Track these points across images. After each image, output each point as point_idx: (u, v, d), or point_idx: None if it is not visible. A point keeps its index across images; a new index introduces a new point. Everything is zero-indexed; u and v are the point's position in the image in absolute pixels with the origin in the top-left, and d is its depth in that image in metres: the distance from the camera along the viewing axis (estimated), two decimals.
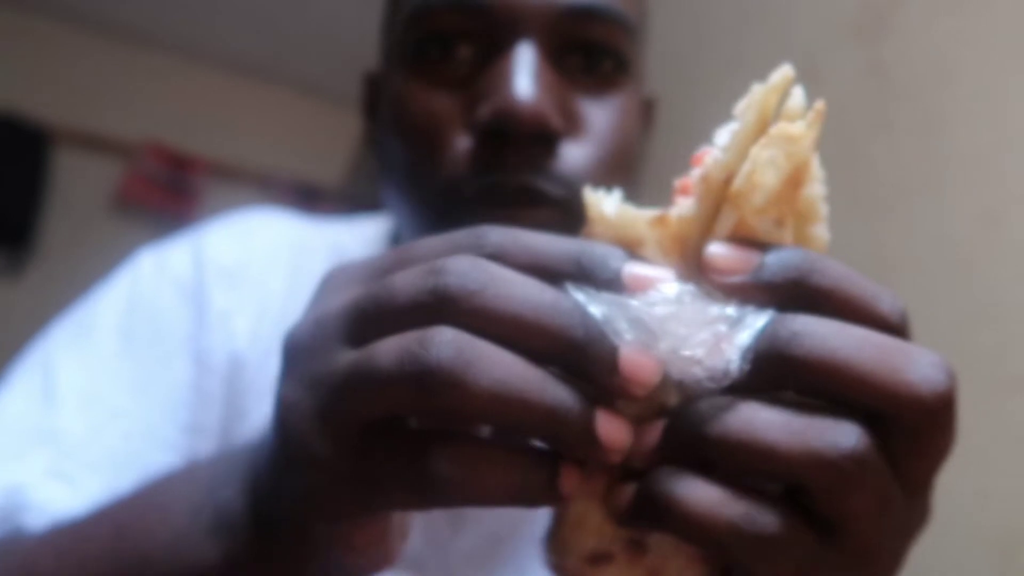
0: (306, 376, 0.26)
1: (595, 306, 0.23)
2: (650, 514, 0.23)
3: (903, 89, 1.18)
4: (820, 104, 0.25)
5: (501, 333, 0.23)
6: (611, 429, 0.23)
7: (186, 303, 0.53)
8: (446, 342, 0.22)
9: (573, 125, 0.43)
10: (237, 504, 0.30)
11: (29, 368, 0.51)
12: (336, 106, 2.73)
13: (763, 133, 0.24)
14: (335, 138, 2.84)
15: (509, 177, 0.41)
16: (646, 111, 0.55)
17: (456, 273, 0.23)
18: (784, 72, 0.25)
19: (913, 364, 0.22)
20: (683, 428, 0.23)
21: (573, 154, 0.43)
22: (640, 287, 0.24)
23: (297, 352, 0.27)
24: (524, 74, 0.41)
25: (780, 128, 0.24)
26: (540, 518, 0.27)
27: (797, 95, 0.25)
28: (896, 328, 0.24)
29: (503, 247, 0.25)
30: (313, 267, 0.55)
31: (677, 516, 0.22)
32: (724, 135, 0.26)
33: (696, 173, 0.26)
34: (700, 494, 0.22)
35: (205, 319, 0.52)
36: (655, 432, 0.24)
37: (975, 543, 0.97)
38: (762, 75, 0.27)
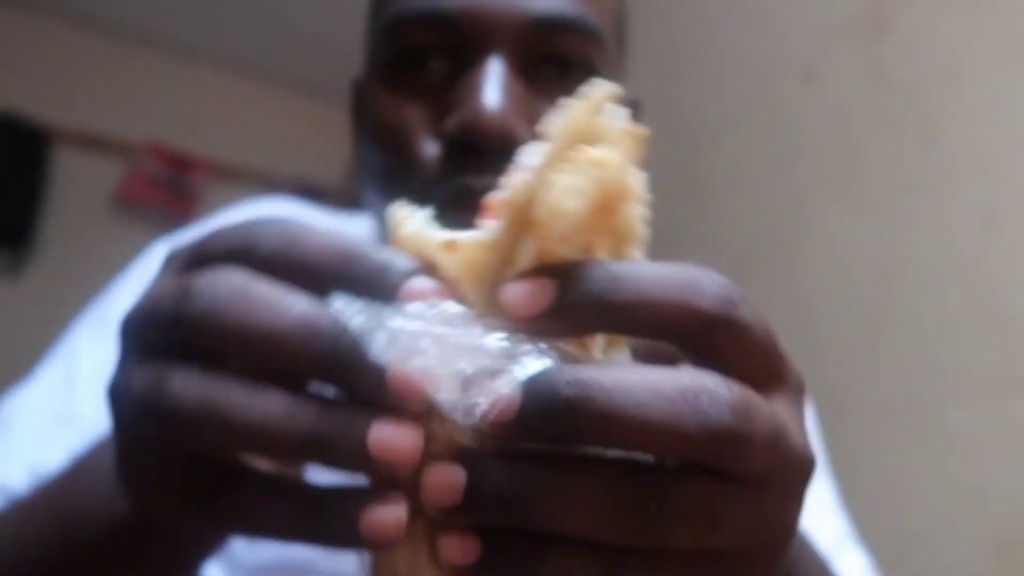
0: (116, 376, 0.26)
1: (357, 318, 0.22)
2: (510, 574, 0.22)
3: (903, 89, 1.18)
4: (639, 129, 0.23)
5: (245, 354, 0.22)
6: (390, 433, 0.21)
7: None
8: (181, 381, 0.22)
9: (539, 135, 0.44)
10: None
11: (56, 357, 0.56)
12: (336, 106, 2.72)
13: (566, 146, 0.23)
14: (335, 138, 2.84)
15: (476, 181, 0.41)
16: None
17: (202, 296, 0.22)
18: (605, 88, 0.23)
19: (695, 410, 0.21)
20: (495, 478, 0.21)
21: None
22: (415, 302, 0.23)
23: (120, 340, 0.27)
24: (491, 86, 0.41)
25: (584, 152, 0.22)
26: None
27: (614, 114, 0.23)
28: (721, 320, 0.22)
29: (275, 253, 0.24)
30: None
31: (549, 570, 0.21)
32: (534, 155, 0.24)
33: (501, 195, 0.24)
34: (576, 569, 0.21)
35: None
36: (453, 471, 0.21)
37: (975, 542, 0.98)
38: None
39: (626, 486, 0.21)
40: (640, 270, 0.22)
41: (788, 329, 0.32)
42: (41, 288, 2.45)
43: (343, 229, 0.61)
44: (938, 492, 1.02)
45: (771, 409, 0.23)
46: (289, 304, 0.22)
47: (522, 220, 0.23)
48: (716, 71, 1.50)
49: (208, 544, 0.32)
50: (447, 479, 0.21)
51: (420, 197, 0.43)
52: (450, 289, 0.23)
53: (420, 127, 0.44)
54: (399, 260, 0.24)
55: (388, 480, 0.22)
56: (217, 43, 2.72)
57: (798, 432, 0.24)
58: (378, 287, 0.23)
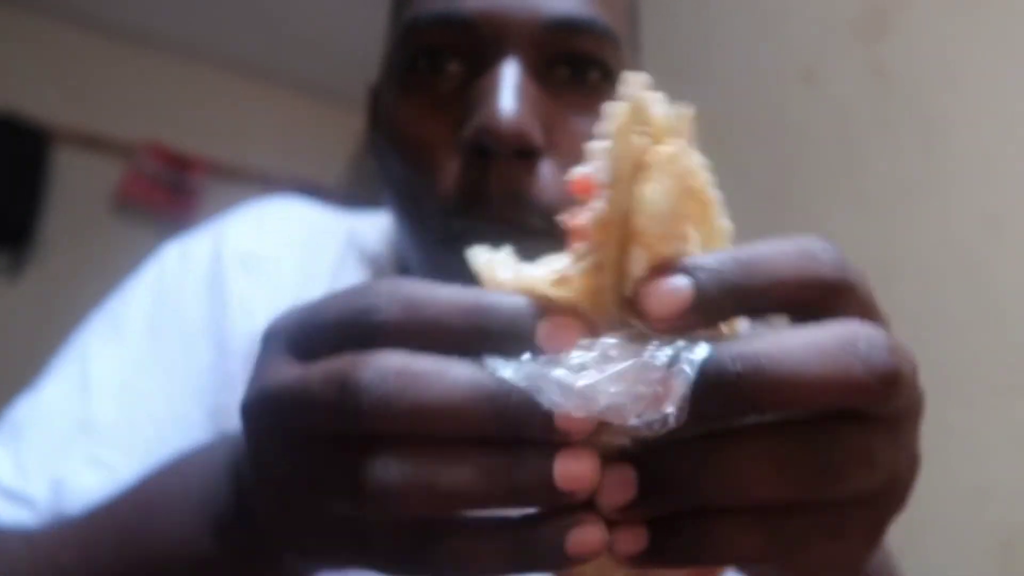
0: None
1: (518, 377, 0.22)
2: (683, 554, 0.23)
3: (903, 89, 1.18)
4: (686, 111, 0.24)
5: (424, 432, 0.23)
6: (573, 466, 0.22)
7: (207, 291, 0.55)
8: (381, 467, 0.23)
9: (559, 141, 0.45)
10: (228, 499, 0.32)
11: (68, 361, 0.54)
12: (336, 106, 2.73)
13: (635, 154, 0.24)
14: (335, 138, 2.84)
15: (491, 214, 0.43)
16: None
17: (370, 387, 0.23)
18: (640, 81, 0.24)
19: (858, 357, 0.22)
20: (665, 468, 0.23)
21: (556, 172, 0.44)
22: (558, 345, 0.23)
23: (248, 426, 0.28)
24: (506, 91, 0.42)
25: (655, 153, 0.23)
26: None
27: (658, 105, 0.24)
28: (840, 283, 0.24)
29: (403, 323, 0.24)
30: (326, 253, 0.58)
31: (715, 554, 0.23)
32: (600, 168, 0.25)
33: (586, 217, 0.25)
34: (742, 536, 0.23)
35: (225, 305, 0.54)
36: (626, 472, 0.23)
37: (975, 542, 0.98)
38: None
39: (791, 445, 0.22)
40: (760, 251, 0.23)
41: None
42: (41, 288, 2.45)
43: (359, 227, 0.61)
44: (938, 492, 1.02)
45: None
46: (455, 376, 0.23)
47: (621, 234, 0.24)
48: (716, 70, 1.50)
49: None
50: (622, 478, 0.23)
51: (441, 225, 0.44)
52: (583, 320, 0.24)
53: (439, 139, 0.45)
54: (524, 306, 0.24)
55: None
56: (217, 43, 2.72)
57: None
58: (517, 337, 0.23)
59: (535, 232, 0.43)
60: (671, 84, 0.27)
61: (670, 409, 0.22)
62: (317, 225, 0.61)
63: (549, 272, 0.25)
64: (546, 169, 0.44)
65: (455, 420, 0.22)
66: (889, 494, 0.25)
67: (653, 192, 0.23)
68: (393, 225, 0.54)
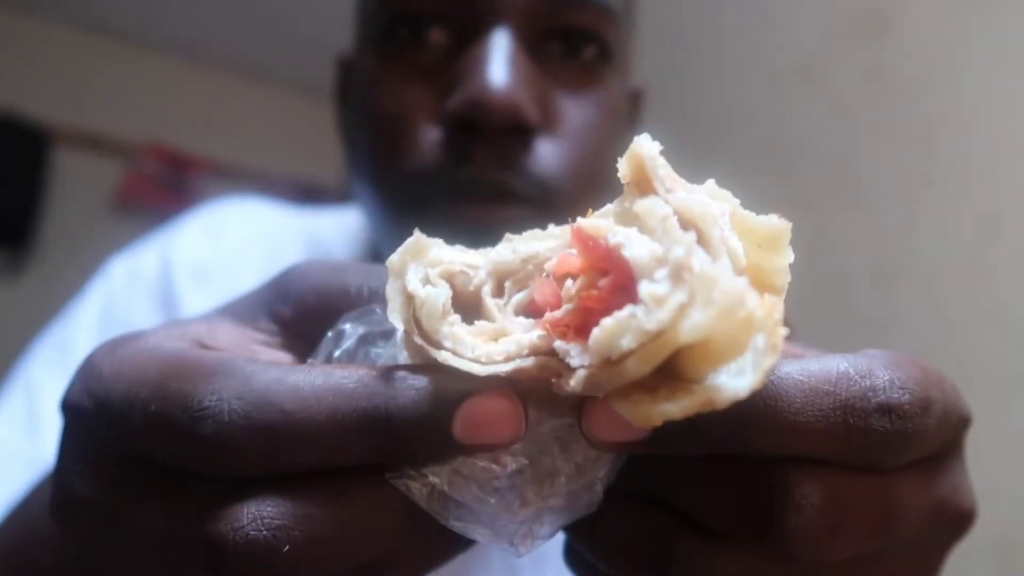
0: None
1: (432, 478, 0.19)
2: None
3: (903, 89, 1.18)
4: (725, 193, 0.20)
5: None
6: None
7: (157, 308, 0.52)
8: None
9: (550, 120, 0.41)
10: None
11: (13, 395, 0.49)
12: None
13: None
14: (335, 137, 2.84)
15: (481, 172, 0.39)
16: (633, 103, 0.52)
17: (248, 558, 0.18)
18: (651, 148, 0.20)
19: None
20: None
21: (548, 152, 0.40)
22: (481, 446, 0.19)
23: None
24: (499, 62, 0.38)
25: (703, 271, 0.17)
26: None
27: (695, 189, 0.20)
28: (895, 441, 0.20)
29: (244, 447, 0.19)
30: (287, 257, 0.53)
31: None
32: (642, 245, 0.18)
33: (572, 319, 0.19)
34: None
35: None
36: None
37: (975, 543, 0.97)
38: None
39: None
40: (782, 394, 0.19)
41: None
42: (41, 288, 2.44)
43: (319, 228, 0.56)
44: None
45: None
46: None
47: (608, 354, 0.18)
48: (716, 70, 1.50)
49: None
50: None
51: (415, 187, 0.40)
52: (515, 407, 0.19)
53: (418, 108, 0.41)
54: (438, 396, 0.19)
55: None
56: (217, 43, 2.72)
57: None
58: (427, 450, 0.19)
59: (522, 198, 0.39)
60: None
61: (598, 490, 0.20)
62: (274, 227, 0.56)
63: (489, 327, 0.20)
64: (542, 148, 0.40)
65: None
66: (930, 535, 0.22)
67: (693, 324, 0.16)
68: (362, 212, 0.50)
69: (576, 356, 0.18)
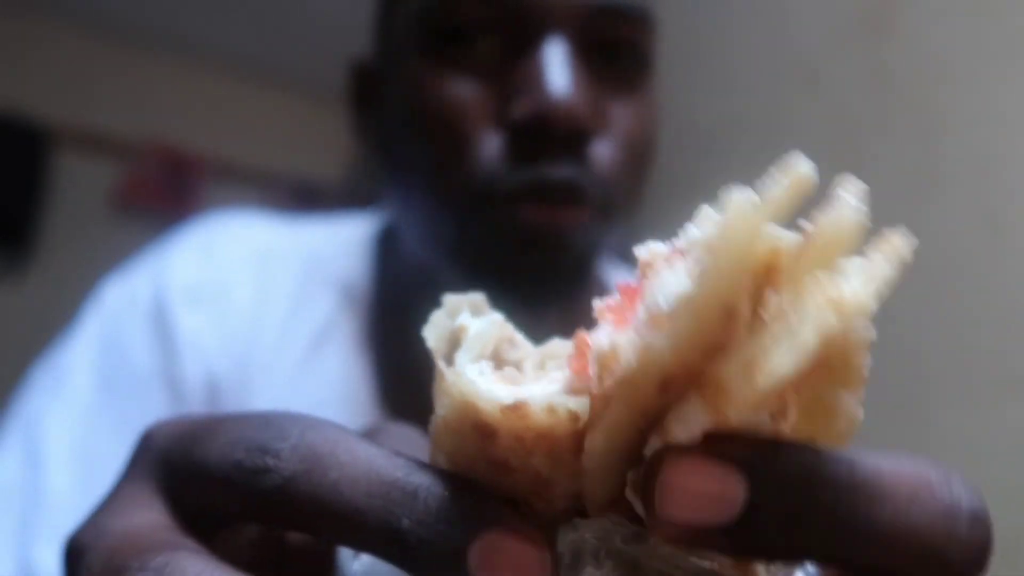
0: None
1: None
2: None
3: (903, 90, 1.18)
4: (896, 240, 0.16)
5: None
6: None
7: (154, 333, 0.51)
8: None
9: (601, 124, 0.43)
10: None
11: (14, 429, 0.49)
12: (336, 106, 2.72)
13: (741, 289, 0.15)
14: (335, 138, 2.83)
15: (552, 171, 0.40)
16: None
17: None
18: (797, 171, 0.16)
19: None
20: None
21: (604, 154, 0.42)
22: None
23: None
24: (561, 72, 0.40)
25: (821, 289, 0.14)
26: None
27: (848, 211, 0.15)
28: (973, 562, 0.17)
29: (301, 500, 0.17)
30: (283, 276, 0.53)
31: None
32: (672, 288, 0.16)
33: (602, 348, 0.16)
34: None
35: (174, 347, 0.50)
36: None
37: None
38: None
39: None
40: (882, 477, 0.15)
41: None
42: (41, 288, 2.44)
43: (318, 244, 0.55)
44: None
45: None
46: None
47: (644, 398, 0.15)
48: (718, 71, 1.50)
49: None
50: None
51: (482, 191, 0.41)
52: (538, 544, 0.15)
53: (479, 113, 0.41)
54: (460, 513, 0.16)
55: None
56: (217, 43, 2.72)
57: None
58: (434, 558, 0.16)
59: (591, 199, 0.41)
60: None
61: None
62: (271, 245, 0.55)
63: (509, 395, 0.16)
64: (598, 150, 0.42)
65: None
66: None
67: (785, 348, 0.14)
68: (404, 220, 0.50)
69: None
